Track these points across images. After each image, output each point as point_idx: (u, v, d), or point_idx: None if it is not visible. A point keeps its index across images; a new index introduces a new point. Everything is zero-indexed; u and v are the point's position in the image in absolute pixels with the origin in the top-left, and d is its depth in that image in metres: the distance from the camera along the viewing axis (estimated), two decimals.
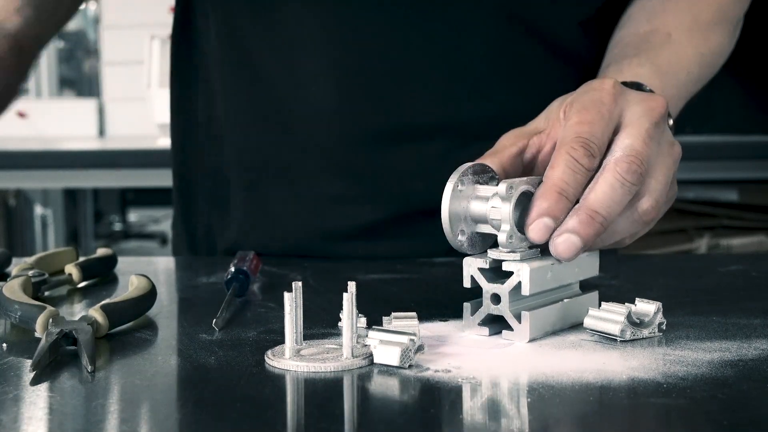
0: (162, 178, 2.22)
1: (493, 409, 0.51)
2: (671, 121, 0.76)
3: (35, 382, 0.55)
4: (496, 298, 0.64)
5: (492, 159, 0.68)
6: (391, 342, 0.58)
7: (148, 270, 0.84)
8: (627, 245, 0.70)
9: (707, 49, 0.90)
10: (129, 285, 0.73)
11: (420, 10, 0.92)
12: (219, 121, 1.01)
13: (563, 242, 0.62)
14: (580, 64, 0.98)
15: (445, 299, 0.75)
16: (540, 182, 0.65)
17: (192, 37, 1.03)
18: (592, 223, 0.63)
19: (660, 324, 0.65)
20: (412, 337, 0.58)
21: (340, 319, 0.64)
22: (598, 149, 0.65)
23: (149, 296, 0.71)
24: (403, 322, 0.63)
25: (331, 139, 0.95)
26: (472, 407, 0.52)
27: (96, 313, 0.64)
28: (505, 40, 0.93)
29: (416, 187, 0.95)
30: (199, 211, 1.05)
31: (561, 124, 0.69)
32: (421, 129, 0.94)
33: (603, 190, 0.64)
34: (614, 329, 0.63)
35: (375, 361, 0.58)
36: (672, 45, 0.87)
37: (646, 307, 0.65)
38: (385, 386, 0.55)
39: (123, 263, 0.90)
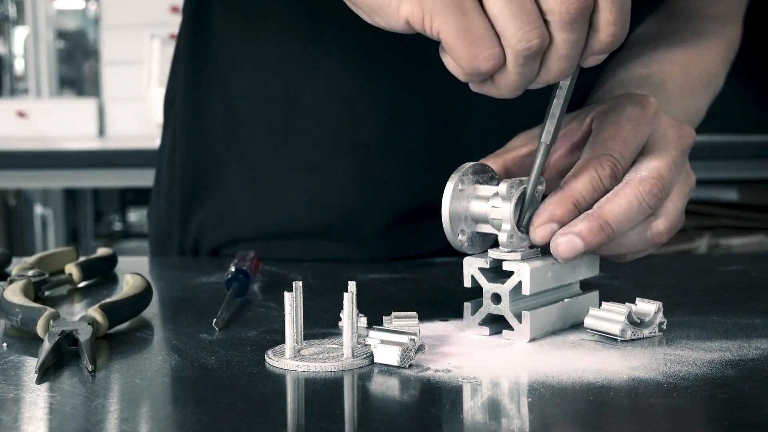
0: None
1: (494, 409, 0.51)
2: None
3: (40, 382, 0.55)
4: (496, 298, 0.64)
5: (495, 160, 0.69)
6: (391, 342, 0.58)
7: (148, 270, 0.84)
8: (627, 261, 0.70)
9: (694, 109, 0.91)
10: (124, 284, 0.73)
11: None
12: (237, 121, 0.99)
13: (566, 242, 0.63)
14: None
15: (445, 299, 0.75)
16: (540, 183, 0.65)
17: (208, 44, 1.01)
18: (600, 233, 0.63)
19: (660, 324, 0.65)
20: (413, 337, 0.58)
21: (340, 319, 0.64)
22: (623, 171, 0.66)
23: (146, 294, 0.71)
24: (404, 321, 0.63)
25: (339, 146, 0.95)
26: (472, 407, 0.52)
27: (95, 313, 0.64)
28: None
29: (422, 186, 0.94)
30: (204, 206, 1.03)
31: (581, 130, 0.70)
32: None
33: (620, 204, 0.64)
34: (615, 329, 0.63)
35: (375, 360, 0.58)
36: (668, 92, 0.87)
37: (647, 306, 0.65)
38: (386, 386, 0.55)
39: (123, 263, 0.90)
